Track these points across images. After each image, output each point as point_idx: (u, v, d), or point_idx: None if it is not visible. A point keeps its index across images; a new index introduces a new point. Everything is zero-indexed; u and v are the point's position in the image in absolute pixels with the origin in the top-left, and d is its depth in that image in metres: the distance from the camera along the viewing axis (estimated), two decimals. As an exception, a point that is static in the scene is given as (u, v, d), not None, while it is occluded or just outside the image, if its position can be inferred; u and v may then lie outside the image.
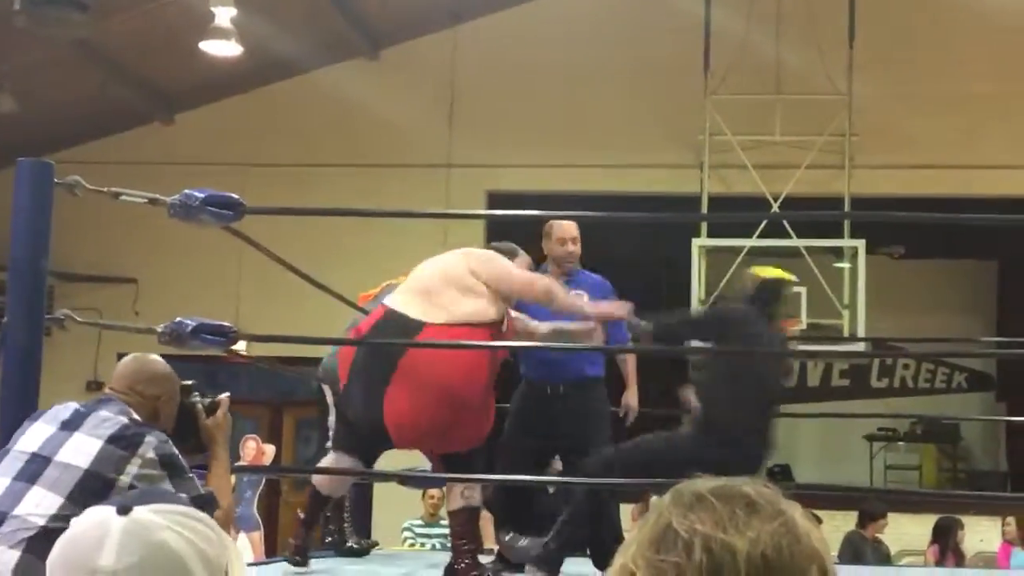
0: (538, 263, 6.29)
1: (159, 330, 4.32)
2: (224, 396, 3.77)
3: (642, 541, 1.21)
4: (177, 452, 3.35)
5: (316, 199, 10.79)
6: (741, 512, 1.19)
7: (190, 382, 3.75)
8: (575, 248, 6.12)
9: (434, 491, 9.08)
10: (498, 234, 12.13)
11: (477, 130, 12.42)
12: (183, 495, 3.19)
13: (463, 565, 5.28)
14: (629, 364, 6.28)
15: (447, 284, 5.13)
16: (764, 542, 1.17)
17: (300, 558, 5.59)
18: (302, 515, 5.63)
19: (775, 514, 1.20)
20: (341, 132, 12.48)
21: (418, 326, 5.04)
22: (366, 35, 12.49)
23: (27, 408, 3.60)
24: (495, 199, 12.07)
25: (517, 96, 12.40)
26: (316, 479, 5.62)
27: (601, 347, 6.11)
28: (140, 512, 1.37)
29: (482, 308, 5.10)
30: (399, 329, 5.07)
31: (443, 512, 9.53)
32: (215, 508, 3.33)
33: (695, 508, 1.20)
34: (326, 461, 5.53)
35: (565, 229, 6.11)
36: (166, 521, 1.37)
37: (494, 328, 5.13)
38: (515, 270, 5.25)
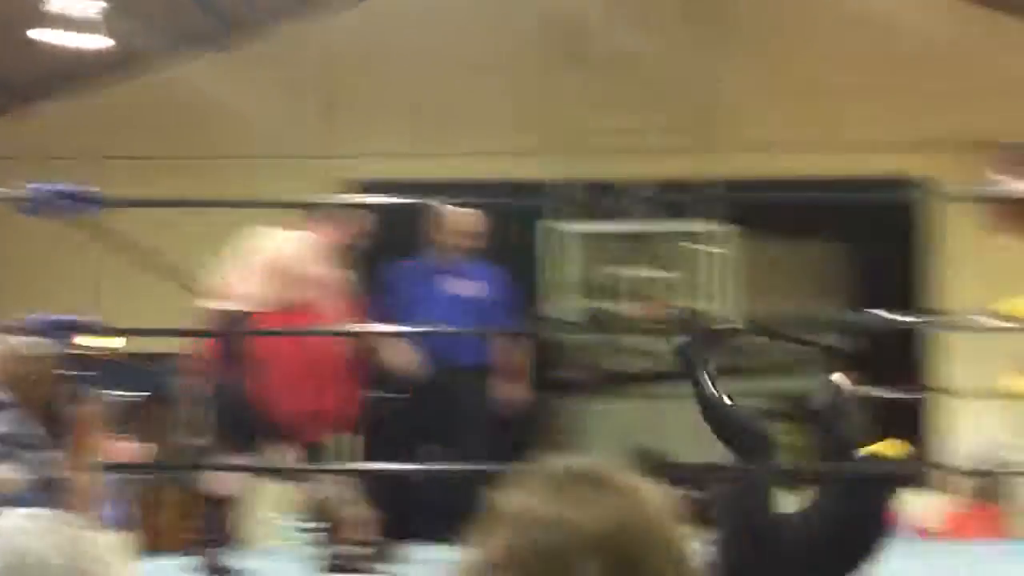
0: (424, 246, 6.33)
1: (13, 326, 4.22)
2: (100, 393, 3.72)
3: (494, 522, 1.22)
4: (24, 433, 3.29)
5: (175, 193, 10.60)
6: (588, 491, 1.20)
7: (76, 373, 3.71)
8: (463, 242, 6.17)
9: (306, 484, 9.01)
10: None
11: (338, 119, 12.33)
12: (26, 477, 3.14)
13: (335, 554, 5.26)
14: (514, 356, 6.36)
15: (250, 276, 5.20)
16: (607, 520, 1.18)
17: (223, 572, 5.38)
18: (209, 534, 5.40)
19: (623, 492, 1.21)
20: (198, 124, 12.30)
21: (245, 316, 5.10)
22: (224, 25, 12.31)
23: None
24: (356, 188, 11.98)
25: (376, 85, 12.34)
26: (212, 483, 5.46)
27: (483, 330, 6.13)
28: (8, 518, 1.34)
29: (285, 293, 5.19)
30: (232, 323, 5.11)
31: (311, 505, 9.46)
32: (61, 493, 3.29)
33: (544, 489, 1.22)
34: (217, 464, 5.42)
35: (457, 223, 6.13)
36: (34, 528, 1.34)
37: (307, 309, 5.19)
38: (292, 272, 5.29)
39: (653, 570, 1.16)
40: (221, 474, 5.33)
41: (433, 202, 6.02)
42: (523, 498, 1.22)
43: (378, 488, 6.42)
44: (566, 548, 1.16)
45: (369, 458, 6.04)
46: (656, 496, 1.23)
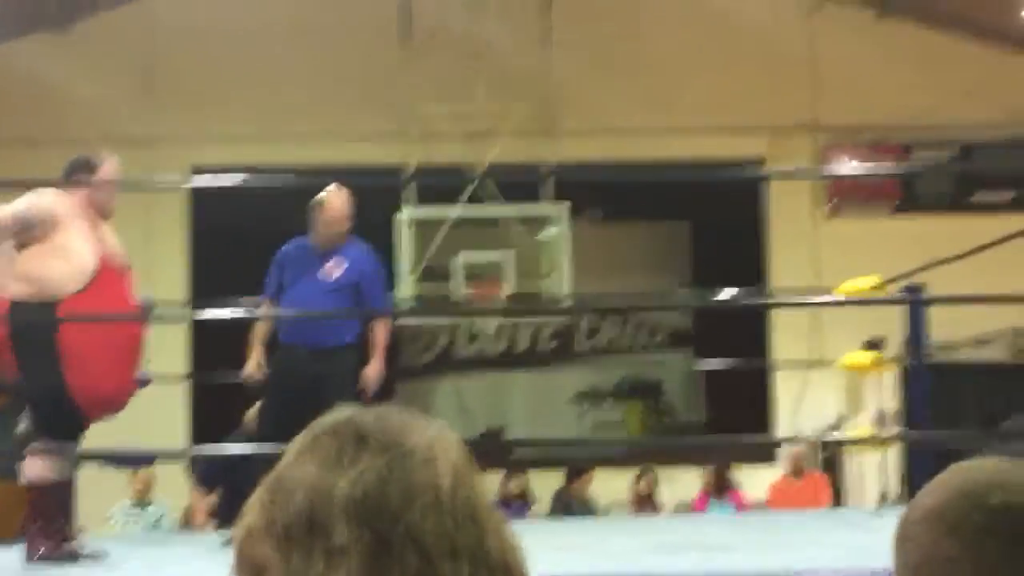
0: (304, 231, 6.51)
1: None
2: None
3: (262, 487, 1.19)
4: None
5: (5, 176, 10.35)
6: (349, 449, 1.15)
7: None
8: (341, 228, 6.38)
9: (143, 472, 8.92)
10: (204, 207, 11.98)
11: (178, 103, 12.15)
12: None
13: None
14: (377, 335, 6.49)
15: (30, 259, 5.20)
16: (366, 480, 1.13)
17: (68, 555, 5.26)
18: (37, 523, 5.26)
19: (386, 447, 1.16)
20: (32, 108, 12.00)
21: (53, 304, 5.08)
22: (58, 6, 12.04)
23: None
24: (201, 173, 11.83)
25: (218, 67, 12.19)
26: (32, 474, 5.32)
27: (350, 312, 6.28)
28: None
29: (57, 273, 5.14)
30: (33, 313, 5.08)
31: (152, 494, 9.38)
32: None
33: (308, 449, 1.18)
34: (37, 451, 5.34)
35: (336, 209, 6.34)
36: None
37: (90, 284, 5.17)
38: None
39: (414, 524, 1.12)
40: (41, 461, 5.25)
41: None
42: (289, 460, 1.18)
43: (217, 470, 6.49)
44: (319, 512, 1.13)
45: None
46: (429, 447, 1.17)
